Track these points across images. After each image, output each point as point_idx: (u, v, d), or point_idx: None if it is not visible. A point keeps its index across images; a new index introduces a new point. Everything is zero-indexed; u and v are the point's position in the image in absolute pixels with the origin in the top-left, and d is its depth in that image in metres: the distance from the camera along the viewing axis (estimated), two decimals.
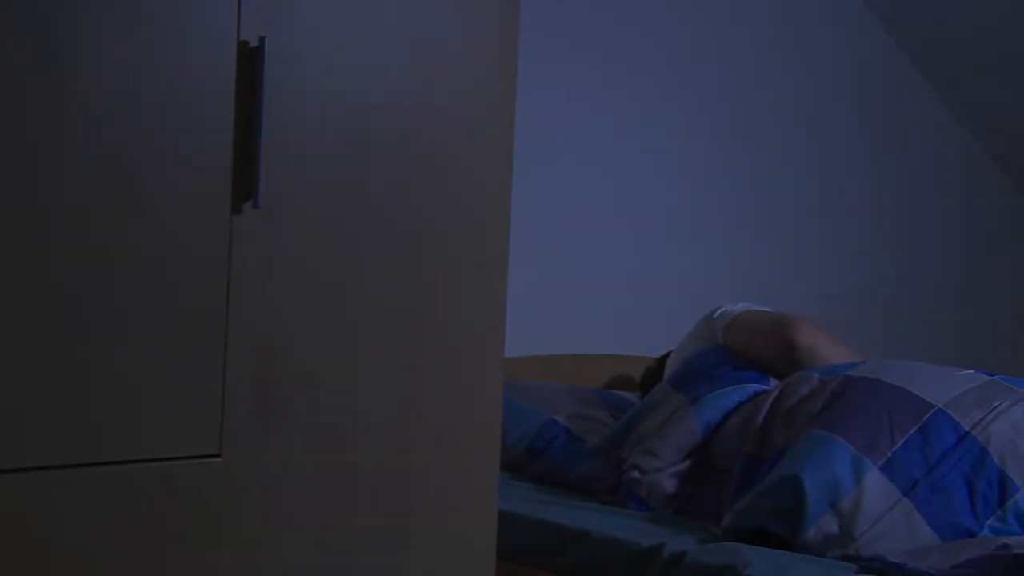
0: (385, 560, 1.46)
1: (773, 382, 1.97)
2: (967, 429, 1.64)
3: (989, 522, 1.57)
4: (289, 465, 1.36)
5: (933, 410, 1.66)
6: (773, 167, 3.29)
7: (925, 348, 3.50)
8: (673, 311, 2.88)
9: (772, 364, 2.03)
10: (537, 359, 2.76)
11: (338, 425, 1.40)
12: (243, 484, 1.32)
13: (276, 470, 1.34)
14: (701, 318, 2.25)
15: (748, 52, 3.23)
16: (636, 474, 1.89)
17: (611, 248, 2.93)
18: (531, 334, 2.76)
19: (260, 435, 1.33)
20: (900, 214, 3.62)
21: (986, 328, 3.81)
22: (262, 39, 1.27)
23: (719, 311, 2.20)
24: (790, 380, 1.88)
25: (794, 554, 1.55)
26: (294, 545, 1.37)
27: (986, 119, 3.64)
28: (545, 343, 2.80)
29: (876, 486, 1.58)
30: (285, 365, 1.35)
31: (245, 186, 1.29)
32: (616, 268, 2.92)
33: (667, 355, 2.45)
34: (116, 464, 1.24)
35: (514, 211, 2.71)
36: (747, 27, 3.23)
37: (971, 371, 1.81)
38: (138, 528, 1.23)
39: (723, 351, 2.10)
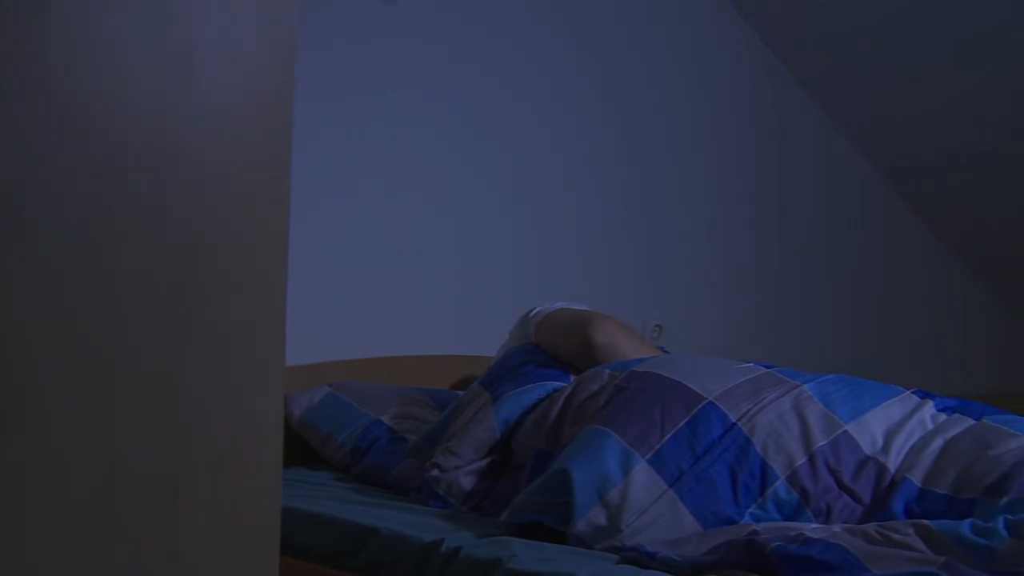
0: (153, 566, 1.47)
1: (574, 379, 2.01)
2: (734, 421, 1.68)
3: (750, 510, 1.61)
4: (33, 475, 1.35)
5: (703, 403, 1.71)
6: (636, 167, 3.33)
7: (808, 354, 3.56)
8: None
9: (575, 362, 2.08)
10: (387, 360, 2.77)
11: (92, 432, 1.40)
12: None
13: (12, 480, 1.34)
14: (520, 316, 2.29)
15: (619, 55, 3.26)
16: (435, 472, 1.92)
17: (462, 249, 2.95)
18: (382, 336, 2.78)
19: None
20: (781, 215, 3.68)
21: (872, 336, 3.88)
22: None
23: (535, 310, 2.24)
24: (583, 376, 1.92)
25: (563, 547, 1.58)
26: (44, 555, 1.36)
27: (855, 117, 3.73)
28: (396, 344, 2.82)
29: (642, 478, 1.62)
30: (25, 371, 1.35)
31: None
32: (466, 269, 2.95)
33: None
34: None
35: (368, 213, 2.76)
36: (619, 31, 3.26)
37: (751, 364, 1.87)
38: None
39: (532, 349, 2.14)
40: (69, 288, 1.37)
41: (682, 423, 1.68)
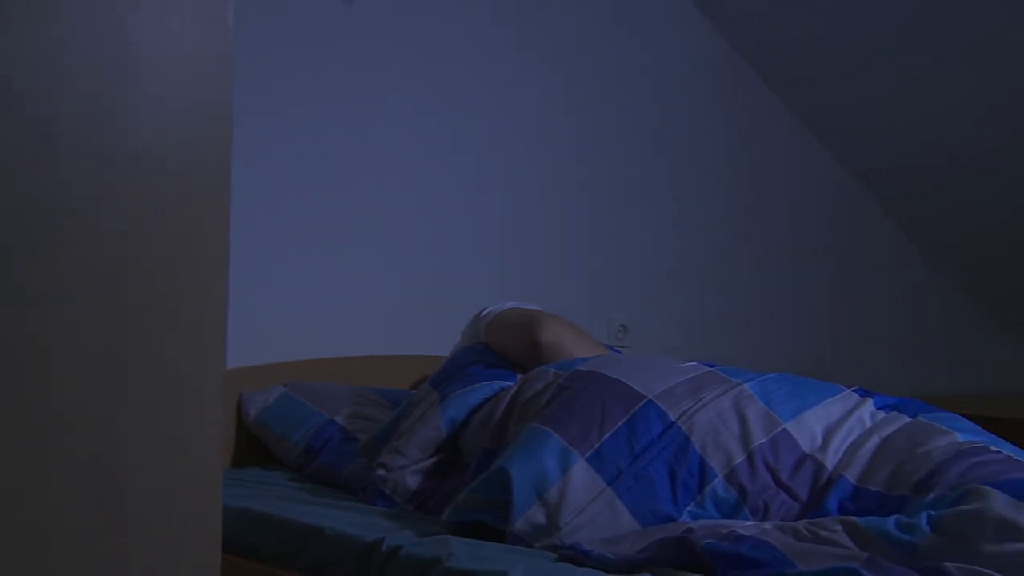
0: (94, 562, 1.47)
1: (520, 378, 2.01)
2: (673, 419, 1.69)
3: (689, 508, 1.62)
4: None
5: (643, 401, 1.71)
6: (602, 167, 3.33)
7: (778, 355, 3.57)
8: None
9: (523, 361, 2.09)
10: (346, 360, 2.77)
11: (27, 428, 1.40)
12: None
13: None
14: (472, 317, 2.30)
15: (585, 55, 3.26)
16: (381, 472, 1.92)
17: (423, 250, 2.95)
18: (341, 336, 2.78)
19: None
20: (749, 218, 3.68)
21: (843, 337, 3.89)
22: None
23: (487, 310, 2.25)
24: (529, 375, 1.93)
25: (502, 545, 1.59)
26: None
27: (827, 119, 3.75)
28: (355, 344, 2.82)
29: (581, 477, 1.62)
30: None
31: None
32: (427, 269, 2.95)
33: None
34: None
35: (326, 216, 2.75)
36: (584, 31, 3.26)
37: (693, 363, 1.88)
38: None
39: (481, 349, 2.15)
40: (3, 281, 1.37)
41: (621, 422, 1.69)
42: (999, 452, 1.57)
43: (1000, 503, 1.35)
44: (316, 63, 2.73)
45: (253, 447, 2.47)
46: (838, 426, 1.72)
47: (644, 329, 3.38)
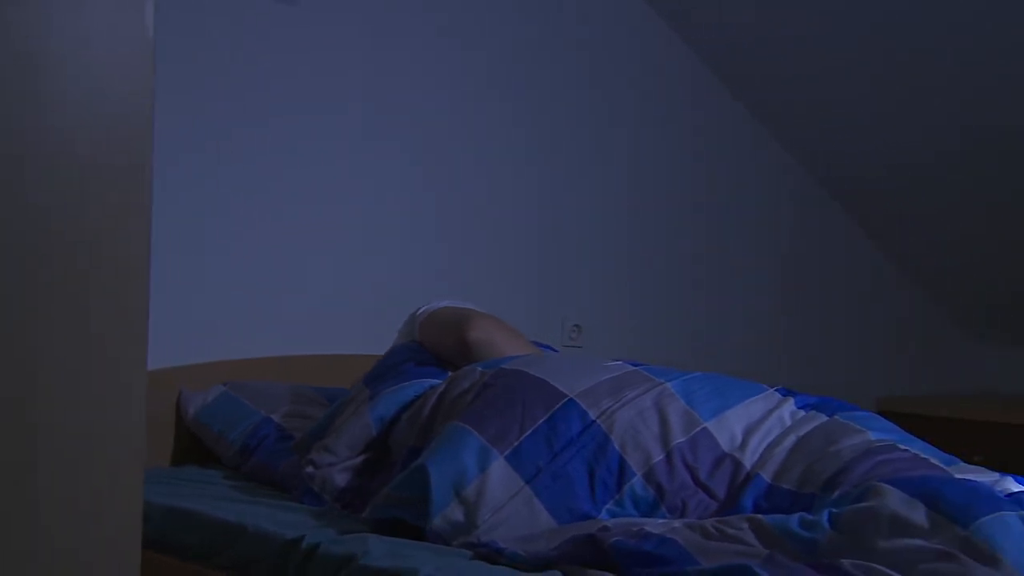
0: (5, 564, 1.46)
1: (448, 376, 2.01)
2: (593, 418, 1.70)
3: (607, 506, 1.63)
4: None
5: (564, 400, 1.72)
6: (553, 167, 3.33)
7: (731, 355, 3.58)
8: None
9: (455, 359, 2.09)
10: (293, 359, 2.76)
11: None
12: None
13: None
14: (409, 315, 2.30)
15: (532, 55, 3.26)
16: (310, 469, 1.92)
17: (373, 250, 2.94)
18: (290, 334, 2.77)
19: None
20: (706, 219, 3.69)
21: (798, 339, 3.90)
22: None
23: (422, 308, 2.25)
24: (456, 374, 1.93)
25: (420, 543, 1.59)
26: None
27: (784, 122, 3.77)
28: (297, 343, 2.81)
29: (499, 475, 1.63)
30: None
31: None
32: (378, 270, 2.94)
33: None
34: None
35: (274, 213, 2.74)
36: (531, 32, 3.26)
37: (619, 362, 1.89)
38: None
39: (415, 347, 2.15)
40: None
41: (541, 420, 1.69)
42: (906, 451, 1.59)
43: (895, 500, 1.36)
44: (261, 69, 2.72)
45: (193, 446, 2.46)
46: (758, 425, 1.73)
47: (599, 330, 3.39)
